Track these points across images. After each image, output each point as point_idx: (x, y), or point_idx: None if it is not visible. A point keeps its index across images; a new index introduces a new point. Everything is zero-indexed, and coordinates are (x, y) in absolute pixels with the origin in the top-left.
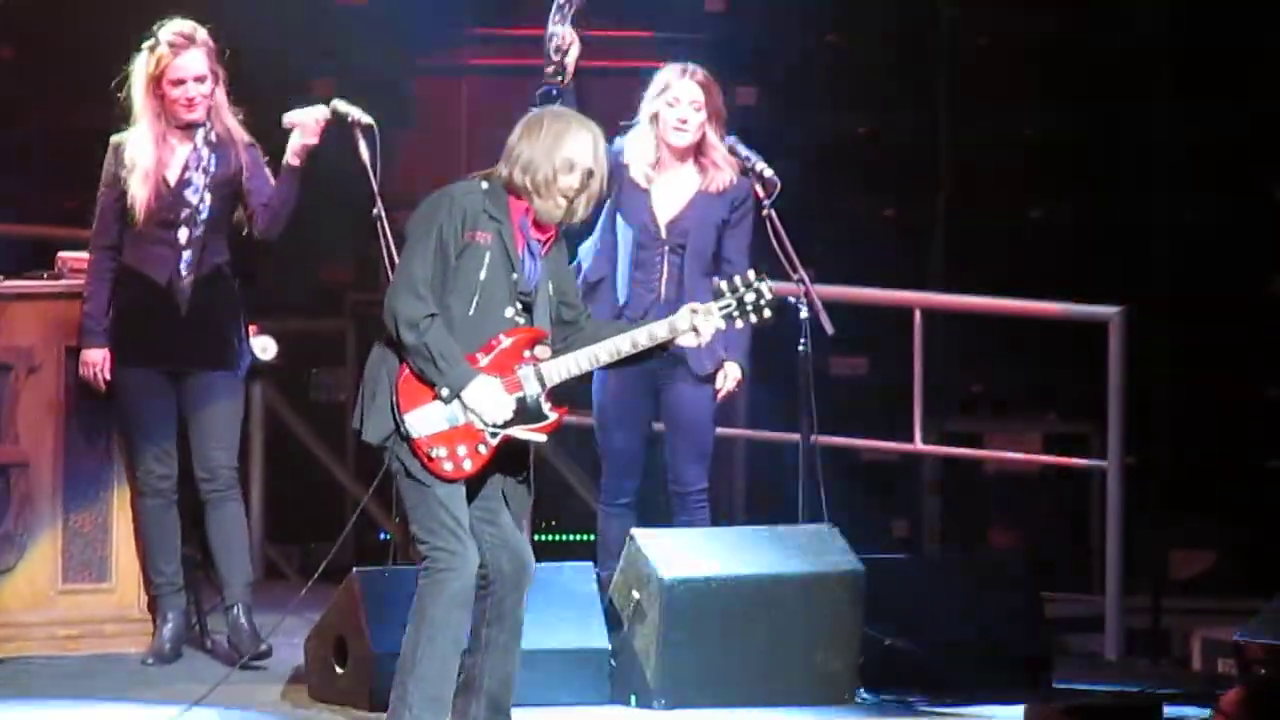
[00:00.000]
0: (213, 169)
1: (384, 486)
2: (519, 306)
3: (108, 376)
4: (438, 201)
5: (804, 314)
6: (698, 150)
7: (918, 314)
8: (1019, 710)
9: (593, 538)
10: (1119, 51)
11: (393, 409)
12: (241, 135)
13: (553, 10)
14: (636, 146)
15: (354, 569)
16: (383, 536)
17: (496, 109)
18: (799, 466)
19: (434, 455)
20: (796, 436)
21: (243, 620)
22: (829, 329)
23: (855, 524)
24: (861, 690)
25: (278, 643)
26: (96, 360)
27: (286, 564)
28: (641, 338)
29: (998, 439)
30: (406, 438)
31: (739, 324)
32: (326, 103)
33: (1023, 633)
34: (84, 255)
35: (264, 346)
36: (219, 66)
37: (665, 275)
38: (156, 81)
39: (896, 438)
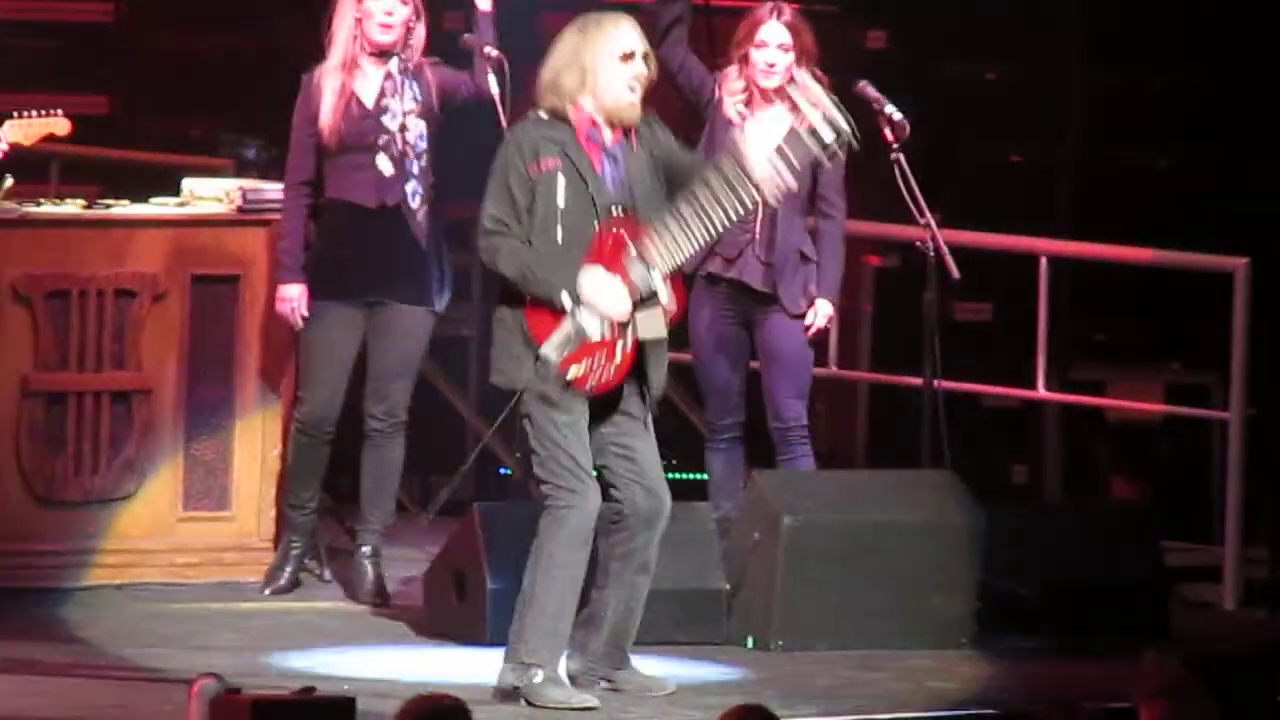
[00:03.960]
0: (410, 97)
1: (506, 422)
2: (614, 217)
3: (305, 313)
4: (502, 148)
5: (930, 259)
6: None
7: (1043, 260)
8: (1136, 658)
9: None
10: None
11: (526, 345)
12: (430, 72)
13: None
14: (728, 86)
15: (475, 503)
16: (503, 472)
17: None
18: (921, 411)
19: (574, 375)
20: (919, 381)
21: (368, 567)
22: (954, 274)
23: (976, 470)
24: (979, 635)
25: (396, 575)
26: (293, 296)
27: (406, 496)
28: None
29: (1120, 387)
30: (545, 370)
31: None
32: (458, 37)
33: (1141, 581)
34: (210, 181)
35: None
36: (423, 7)
37: (760, 215)
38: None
39: (1019, 384)
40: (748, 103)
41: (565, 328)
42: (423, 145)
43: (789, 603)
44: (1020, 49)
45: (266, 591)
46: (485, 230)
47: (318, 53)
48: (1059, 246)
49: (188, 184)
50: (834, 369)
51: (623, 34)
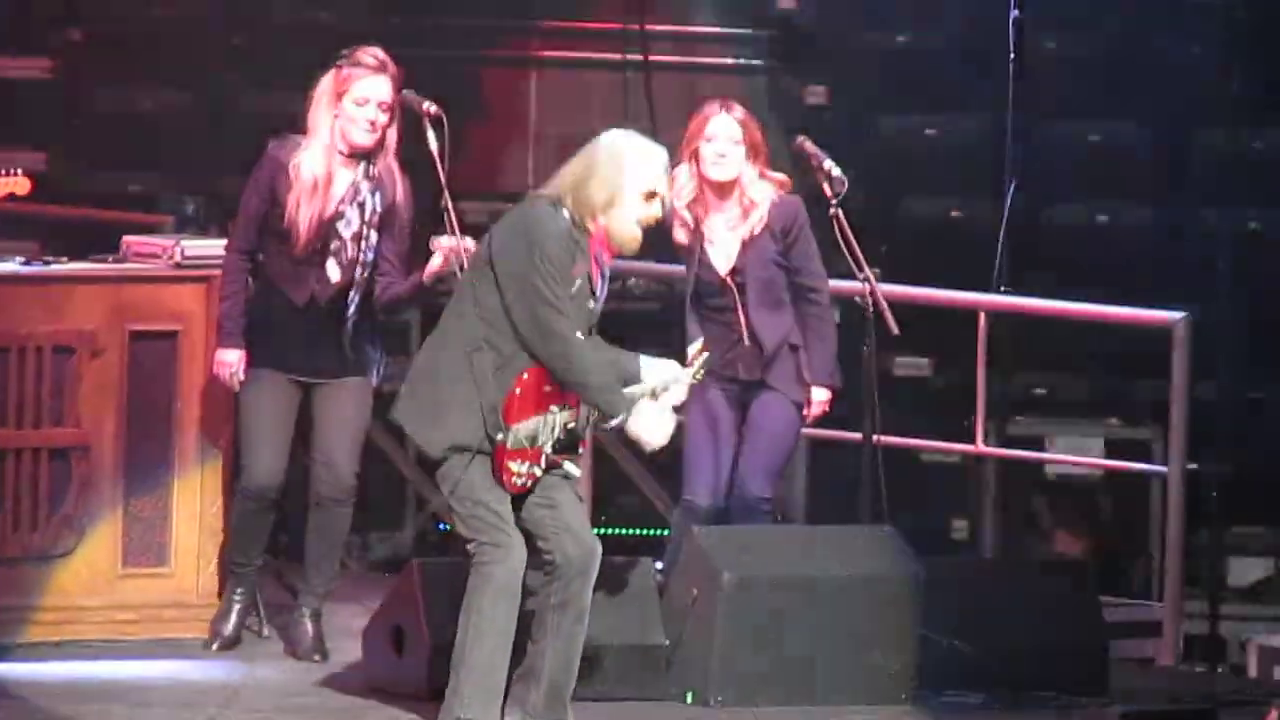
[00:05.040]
0: (370, 208)
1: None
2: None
3: (242, 378)
4: (548, 238)
5: (869, 314)
6: (737, 187)
7: (982, 316)
8: (1075, 714)
9: (649, 532)
10: (1185, 58)
11: (484, 418)
12: (398, 182)
13: None
14: (678, 185)
15: (414, 559)
16: (441, 528)
17: (564, 102)
18: (860, 467)
19: (512, 468)
20: (858, 436)
21: (308, 624)
22: (893, 329)
23: (915, 525)
24: (919, 691)
25: (337, 630)
26: (231, 361)
27: (345, 553)
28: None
29: (1059, 442)
30: (490, 445)
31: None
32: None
33: (1080, 637)
34: (148, 240)
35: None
36: (396, 105)
37: (743, 316)
38: (339, 98)
39: (958, 439)
40: (696, 202)
41: (535, 425)
42: (371, 256)
43: (728, 658)
44: (959, 105)
45: (214, 646)
46: (571, 341)
47: (256, 111)
48: (998, 302)
49: (126, 241)
50: None
51: (657, 173)
